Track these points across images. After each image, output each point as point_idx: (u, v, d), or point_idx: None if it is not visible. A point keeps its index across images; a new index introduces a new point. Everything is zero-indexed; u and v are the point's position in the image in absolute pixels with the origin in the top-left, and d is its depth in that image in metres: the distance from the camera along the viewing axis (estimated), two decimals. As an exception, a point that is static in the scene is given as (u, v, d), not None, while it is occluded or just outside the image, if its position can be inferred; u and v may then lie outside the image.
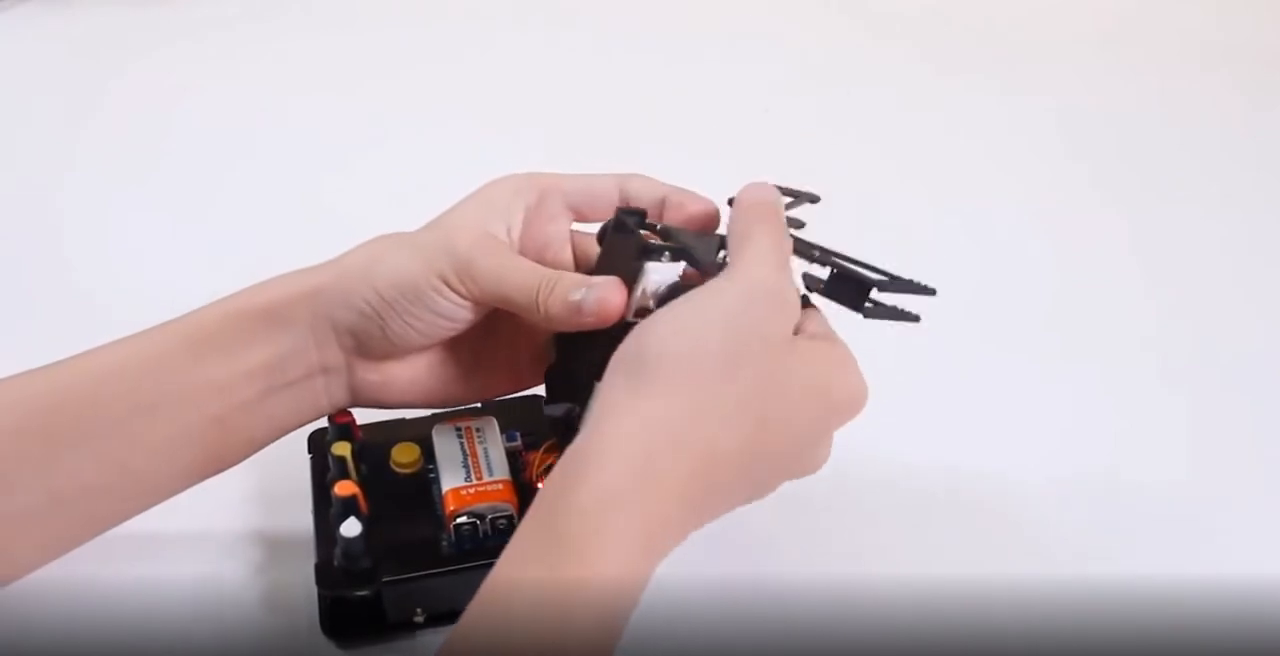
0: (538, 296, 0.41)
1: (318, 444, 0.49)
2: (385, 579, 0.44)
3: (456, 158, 0.80)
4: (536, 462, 0.47)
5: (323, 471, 0.48)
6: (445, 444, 0.48)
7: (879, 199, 0.76)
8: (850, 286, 0.41)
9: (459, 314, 0.43)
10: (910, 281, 0.41)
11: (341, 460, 0.47)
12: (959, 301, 0.72)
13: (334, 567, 0.44)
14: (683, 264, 0.43)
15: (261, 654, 0.46)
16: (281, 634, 0.46)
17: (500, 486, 0.45)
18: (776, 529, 0.52)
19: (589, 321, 0.41)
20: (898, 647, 0.47)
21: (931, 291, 0.41)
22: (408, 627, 0.45)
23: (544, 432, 0.48)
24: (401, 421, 0.50)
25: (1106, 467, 0.56)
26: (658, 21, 0.98)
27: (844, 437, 0.57)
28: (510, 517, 0.45)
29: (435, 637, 0.45)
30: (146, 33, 0.95)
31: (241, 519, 0.51)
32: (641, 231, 0.44)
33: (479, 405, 0.51)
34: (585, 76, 0.90)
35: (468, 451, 0.47)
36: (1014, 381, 0.62)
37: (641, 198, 0.45)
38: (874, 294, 0.42)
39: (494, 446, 0.47)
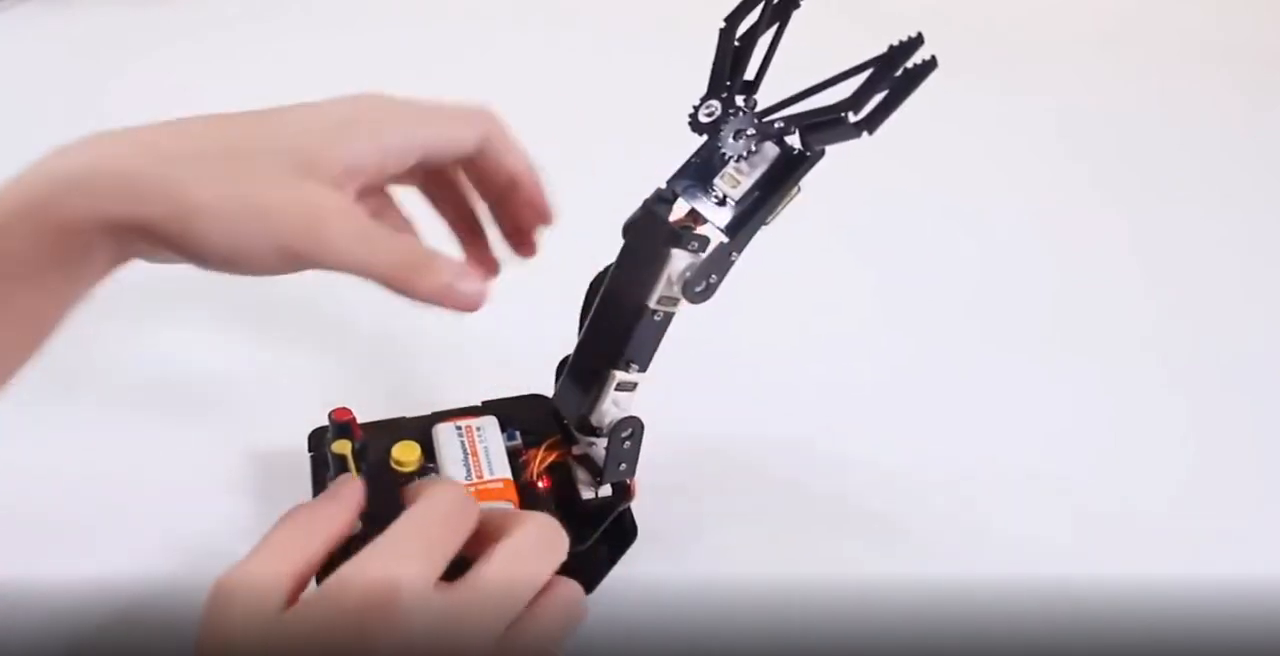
0: (408, 273, 0.37)
1: (317, 442, 0.49)
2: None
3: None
4: (537, 461, 0.47)
5: (322, 469, 0.48)
6: (446, 442, 0.47)
7: (879, 199, 0.76)
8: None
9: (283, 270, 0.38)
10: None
11: (341, 458, 0.46)
12: (959, 301, 0.72)
13: (333, 566, 0.44)
14: (707, 252, 0.42)
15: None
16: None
17: (501, 485, 0.45)
18: (774, 529, 0.52)
19: (453, 309, 0.38)
20: (896, 648, 0.47)
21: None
22: (408, 626, 0.45)
23: (544, 431, 0.48)
24: (402, 420, 0.50)
25: (1106, 467, 0.56)
26: (658, 21, 0.98)
27: (843, 437, 0.57)
28: (510, 516, 0.45)
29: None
30: (146, 33, 0.95)
31: (241, 517, 0.51)
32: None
33: (479, 405, 0.51)
34: (585, 76, 0.90)
35: (468, 450, 0.47)
36: (1013, 380, 0.62)
37: (494, 174, 0.43)
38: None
39: (494, 445, 0.47)
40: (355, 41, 0.96)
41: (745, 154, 0.39)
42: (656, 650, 0.46)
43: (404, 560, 0.33)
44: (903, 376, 0.62)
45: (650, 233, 0.41)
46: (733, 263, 0.41)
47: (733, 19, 0.39)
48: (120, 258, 0.38)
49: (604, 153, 0.78)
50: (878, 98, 0.36)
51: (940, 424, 0.58)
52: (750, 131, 0.39)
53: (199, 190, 0.36)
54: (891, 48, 0.36)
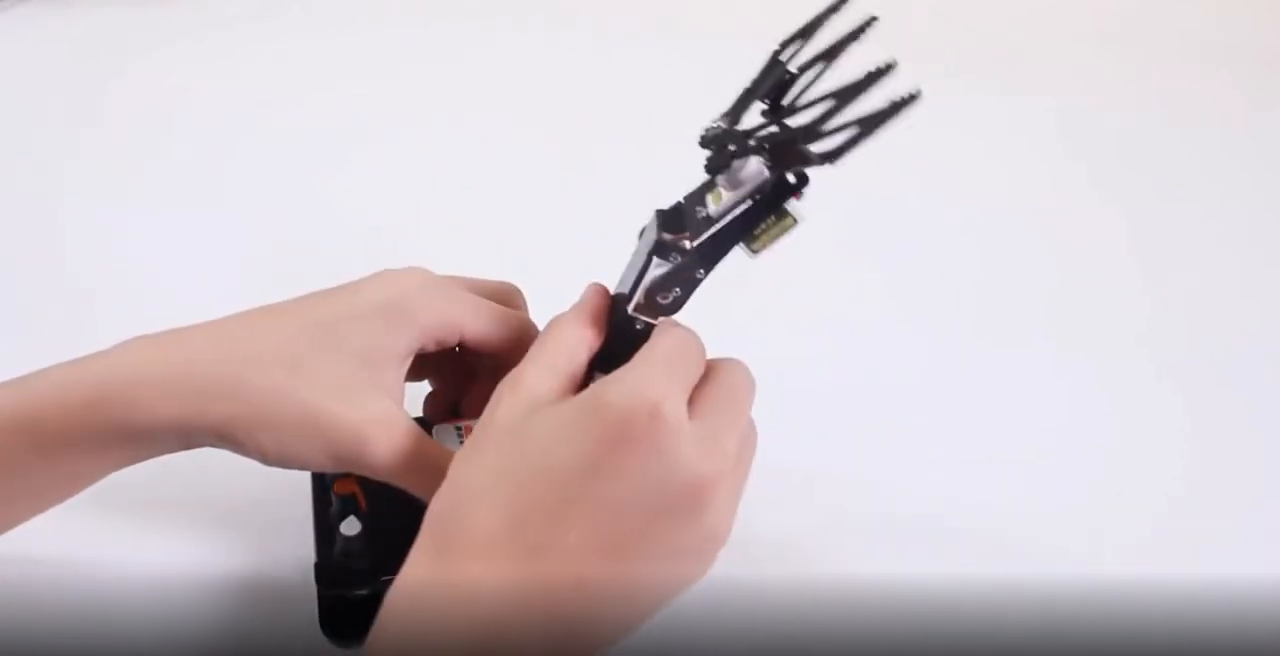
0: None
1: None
2: (385, 578, 0.43)
3: (457, 158, 0.80)
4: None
5: (325, 472, 0.48)
6: (446, 442, 0.47)
7: (879, 198, 0.76)
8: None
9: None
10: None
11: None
12: (958, 300, 0.72)
13: (334, 566, 0.44)
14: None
15: (261, 653, 0.46)
16: (281, 633, 0.46)
17: (500, 485, 0.45)
18: (773, 529, 0.52)
19: None
20: (895, 648, 0.47)
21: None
22: (407, 627, 0.45)
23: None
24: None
25: (1106, 466, 0.56)
26: (658, 21, 0.98)
27: (841, 435, 0.57)
28: (510, 517, 0.44)
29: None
30: (146, 33, 0.95)
31: (240, 518, 0.51)
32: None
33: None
34: (585, 76, 0.90)
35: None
36: (1013, 379, 0.62)
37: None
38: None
39: (494, 446, 0.47)
40: (355, 41, 0.96)
41: (732, 172, 0.38)
42: (655, 650, 0.46)
43: (662, 381, 0.36)
44: (901, 375, 0.62)
45: (646, 240, 0.41)
46: (699, 280, 0.40)
47: (785, 46, 0.39)
48: (186, 447, 0.41)
49: (604, 153, 0.78)
50: (848, 131, 0.36)
51: (939, 422, 0.58)
52: (730, 147, 0.38)
53: (262, 399, 0.39)
54: (869, 74, 0.36)
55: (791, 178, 0.38)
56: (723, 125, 0.38)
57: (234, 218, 0.73)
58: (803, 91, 0.39)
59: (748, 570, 0.49)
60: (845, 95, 0.36)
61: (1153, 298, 0.69)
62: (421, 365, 0.47)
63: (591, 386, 0.37)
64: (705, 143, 0.39)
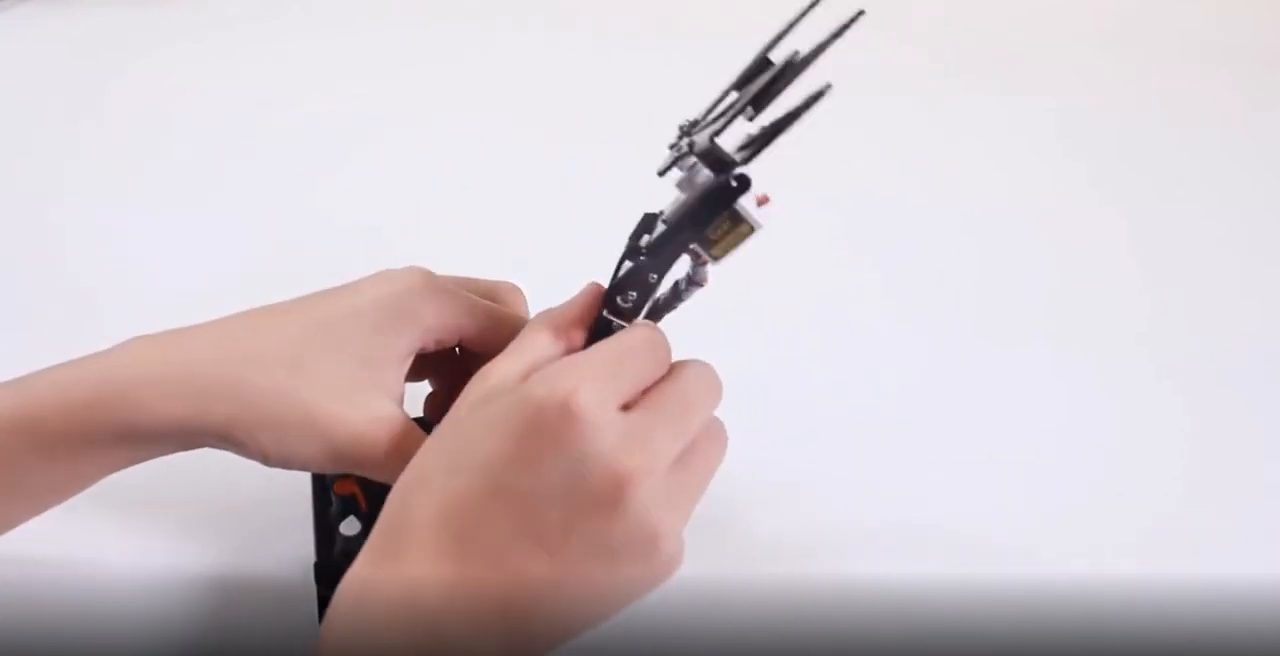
0: None
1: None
2: (385, 578, 0.43)
3: (457, 158, 0.80)
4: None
5: (326, 472, 0.48)
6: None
7: (879, 198, 0.76)
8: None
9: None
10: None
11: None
12: (958, 300, 0.72)
13: (333, 566, 0.44)
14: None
15: (261, 653, 0.46)
16: (281, 633, 0.46)
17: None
18: (772, 529, 0.52)
19: None
20: (895, 649, 0.47)
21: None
22: (407, 627, 0.45)
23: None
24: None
25: (1106, 466, 0.56)
26: (658, 21, 0.98)
27: (840, 435, 0.57)
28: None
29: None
30: (146, 33, 0.95)
31: (241, 518, 0.51)
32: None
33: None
34: (585, 76, 0.90)
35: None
36: (1013, 379, 0.62)
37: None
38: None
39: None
40: (355, 41, 0.96)
41: (660, 172, 0.38)
42: (654, 650, 0.46)
43: (588, 373, 0.35)
44: (901, 375, 0.62)
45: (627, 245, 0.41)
46: (653, 283, 0.40)
47: (770, 47, 0.39)
48: (186, 448, 0.42)
49: (604, 153, 0.78)
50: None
51: (939, 422, 0.58)
52: (677, 147, 0.38)
53: (263, 399, 0.39)
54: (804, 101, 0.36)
55: (733, 182, 0.38)
56: (680, 131, 0.39)
57: (234, 218, 0.73)
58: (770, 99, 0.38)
59: (745, 570, 0.49)
60: (758, 100, 0.36)
61: (1153, 298, 0.69)
62: (422, 365, 0.47)
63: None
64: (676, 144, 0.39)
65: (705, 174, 0.38)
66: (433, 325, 0.43)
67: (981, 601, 0.48)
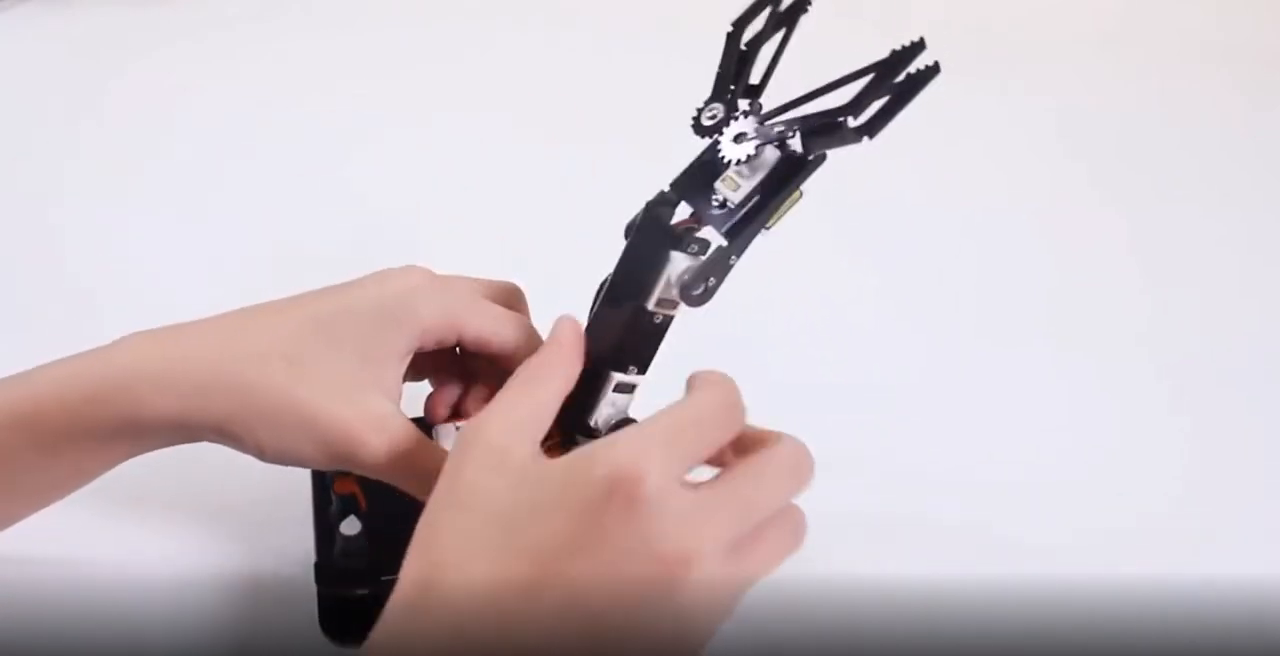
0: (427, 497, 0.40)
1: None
2: (385, 577, 0.44)
3: (457, 158, 0.80)
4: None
5: (322, 470, 0.48)
6: (445, 443, 0.47)
7: (879, 198, 0.76)
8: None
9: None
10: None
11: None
12: (959, 300, 0.72)
13: (334, 566, 0.44)
14: (706, 255, 0.42)
15: (261, 653, 0.46)
16: (280, 633, 0.46)
17: (500, 485, 0.45)
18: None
19: None
20: (895, 649, 0.47)
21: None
22: (407, 627, 0.45)
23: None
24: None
25: (1106, 465, 0.56)
26: (658, 21, 0.98)
27: (840, 436, 0.57)
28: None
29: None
30: (146, 33, 0.95)
31: (241, 518, 0.51)
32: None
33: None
34: (585, 77, 0.90)
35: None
36: (1013, 379, 0.62)
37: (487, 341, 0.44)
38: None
39: (494, 446, 0.47)
40: (355, 41, 0.95)
41: (746, 158, 0.39)
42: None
43: (655, 450, 0.33)
44: (902, 374, 0.62)
45: (651, 234, 0.41)
46: (731, 266, 0.40)
47: (740, 23, 0.39)
48: (185, 442, 0.42)
49: (604, 153, 0.78)
50: (878, 103, 0.36)
51: (939, 422, 0.58)
52: (752, 135, 0.39)
53: (261, 395, 0.39)
54: (893, 52, 0.36)
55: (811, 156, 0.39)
56: (721, 112, 0.39)
57: (234, 218, 0.73)
58: (770, 68, 0.39)
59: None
60: (884, 69, 0.36)
61: (1153, 298, 0.69)
62: (422, 365, 0.47)
63: (578, 451, 0.34)
64: (706, 131, 0.39)
65: (770, 152, 0.39)
66: (431, 324, 0.43)
67: (980, 600, 0.48)
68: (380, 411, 0.41)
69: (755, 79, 0.40)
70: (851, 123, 0.36)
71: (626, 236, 0.43)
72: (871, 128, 0.36)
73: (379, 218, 0.72)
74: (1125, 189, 0.80)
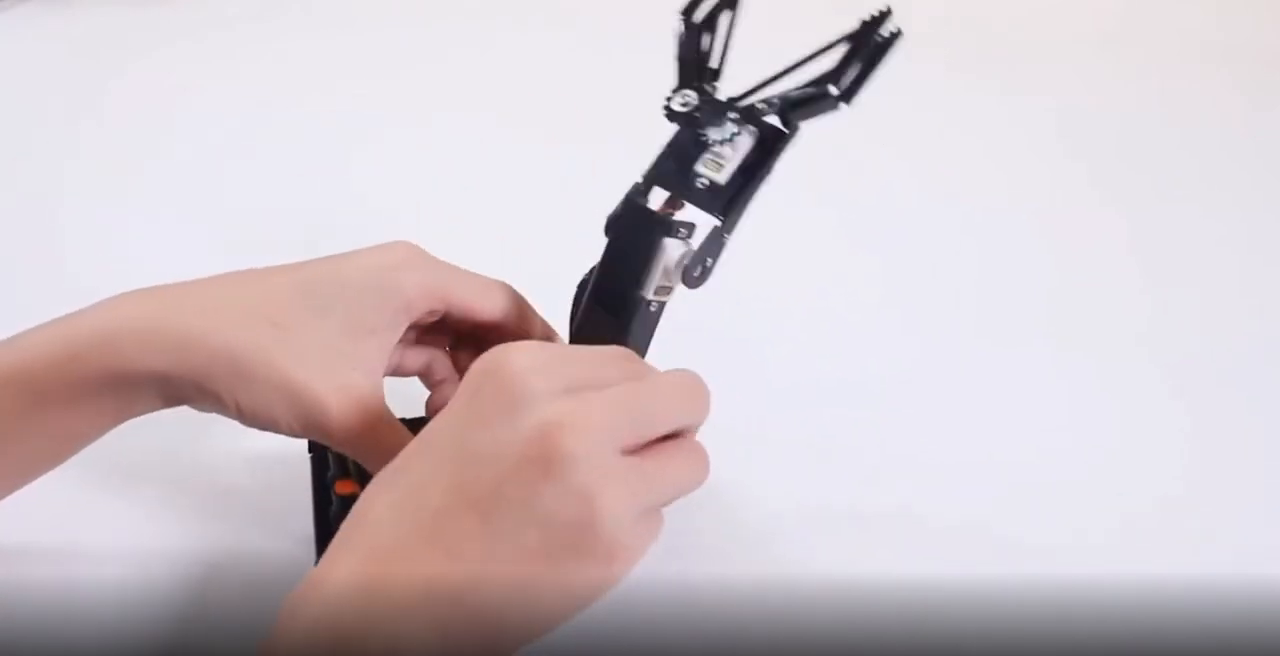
0: None
1: (318, 442, 0.49)
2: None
3: (457, 157, 0.80)
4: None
5: (323, 470, 0.48)
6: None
7: (879, 198, 0.76)
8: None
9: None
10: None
11: (342, 459, 0.47)
12: (959, 300, 0.72)
13: None
14: (703, 237, 0.42)
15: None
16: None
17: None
18: (770, 526, 0.52)
19: None
20: (893, 649, 0.47)
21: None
22: (408, 627, 0.45)
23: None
24: (402, 421, 0.50)
25: (1106, 465, 0.56)
26: (658, 21, 0.98)
27: (840, 435, 0.57)
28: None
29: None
30: (146, 33, 0.95)
31: (241, 517, 0.51)
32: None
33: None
34: (585, 76, 0.90)
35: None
36: (1013, 379, 0.62)
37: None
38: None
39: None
40: (355, 41, 0.96)
41: (729, 137, 0.40)
42: (652, 650, 0.46)
43: (536, 355, 0.35)
44: (902, 374, 0.62)
45: (637, 225, 0.42)
46: (725, 244, 0.41)
47: (689, 9, 0.41)
48: (170, 402, 0.42)
49: (604, 153, 0.78)
50: (853, 71, 0.38)
51: (939, 421, 0.58)
52: (733, 115, 0.40)
53: (242, 353, 0.39)
54: (864, 22, 0.38)
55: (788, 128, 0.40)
56: (694, 98, 0.40)
57: (234, 218, 0.73)
58: (724, 50, 0.41)
59: (740, 569, 0.49)
60: (858, 38, 0.38)
61: (1153, 297, 0.69)
62: (421, 364, 0.47)
63: None
64: (680, 118, 0.40)
65: (749, 130, 0.40)
66: (417, 296, 0.43)
67: (980, 600, 0.48)
68: (355, 384, 0.41)
69: (715, 63, 0.41)
70: (833, 91, 0.37)
71: (608, 232, 0.43)
72: (849, 94, 0.38)
73: (379, 217, 0.72)
74: (1125, 189, 0.80)
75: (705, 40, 0.41)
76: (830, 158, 0.79)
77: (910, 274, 0.71)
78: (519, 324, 0.46)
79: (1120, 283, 0.70)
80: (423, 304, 0.43)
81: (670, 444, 0.35)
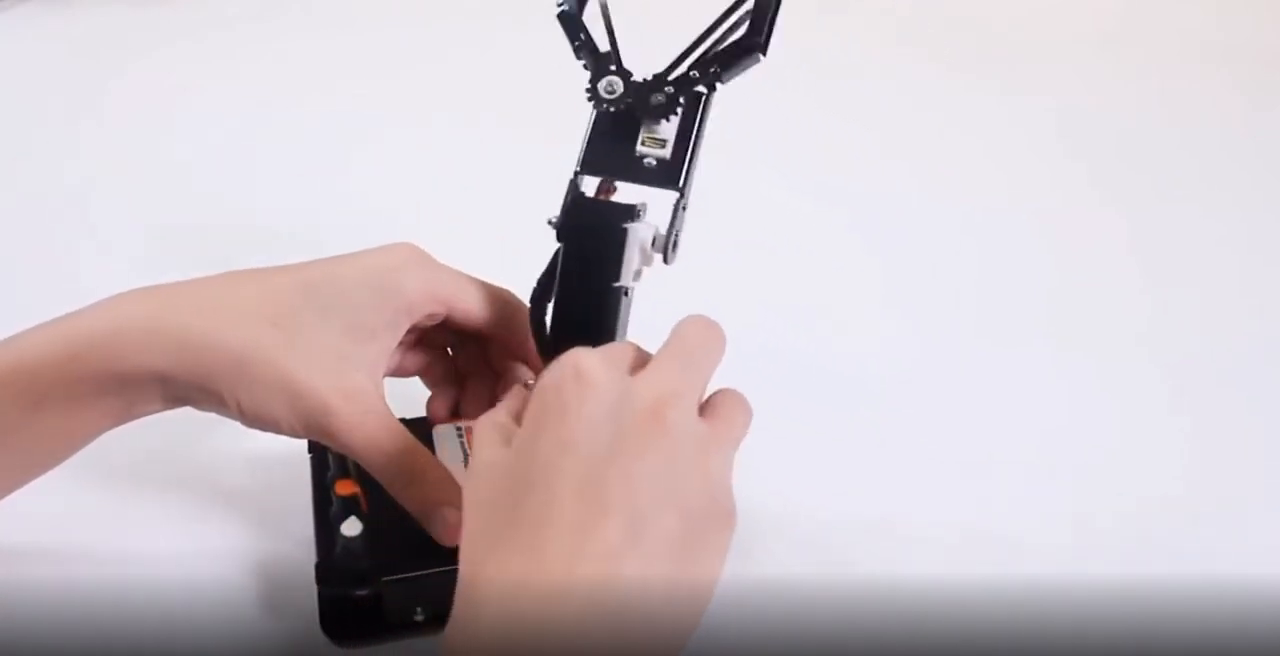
0: (398, 482, 0.42)
1: (318, 443, 0.49)
2: (385, 578, 0.44)
3: (457, 158, 0.80)
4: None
5: (323, 470, 0.48)
6: (446, 443, 0.47)
7: (879, 197, 0.76)
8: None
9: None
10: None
11: (342, 459, 0.46)
12: (958, 300, 0.72)
13: (334, 567, 0.44)
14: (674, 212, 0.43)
15: (261, 653, 0.46)
16: (281, 633, 0.46)
17: (500, 485, 0.45)
18: (768, 526, 0.52)
19: (430, 532, 0.42)
20: (892, 648, 0.47)
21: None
22: (408, 627, 0.45)
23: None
24: (402, 421, 0.50)
25: (1106, 465, 0.56)
26: (659, 21, 0.98)
27: (841, 434, 0.57)
28: (510, 517, 0.45)
29: (435, 637, 0.45)
30: (146, 33, 0.95)
31: (241, 518, 0.51)
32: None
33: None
34: (585, 76, 0.90)
35: (469, 451, 0.47)
36: (1013, 378, 0.62)
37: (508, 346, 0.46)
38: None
39: (494, 446, 0.47)
40: (355, 41, 0.96)
41: (673, 113, 0.42)
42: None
43: (677, 382, 0.35)
44: (902, 374, 0.62)
45: (595, 221, 0.42)
46: (685, 209, 0.43)
47: (561, 3, 0.43)
48: (171, 403, 0.42)
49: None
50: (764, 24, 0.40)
51: (939, 422, 0.58)
52: (667, 90, 0.42)
53: (243, 353, 0.39)
54: None
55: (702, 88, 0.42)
56: (619, 83, 0.44)
57: (233, 218, 0.73)
58: (610, 33, 0.44)
59: (741, 569, 0.49)
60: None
61: (1153, 297, 0.69)
62: (420, 366, 0.47)
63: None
64: (610, 103, 0.43)
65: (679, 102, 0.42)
66: (417, 298, 0.43)
67: (980, 600, 0.48)
68: (355, 385, 0.41)
69: (605, 46, 0.44)
70: (758, 43, 0.40)
71: (561, 235, 0.43)
72: (765, 45, 0.40)
73: (379, 217, 0.72)
74: (1125, 189, 0.80)
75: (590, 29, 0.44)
76: (831, 158, 0.79)
77: (910, 274, 0.71)
78: (518, 330, 0.46)
79: (1120, 282, 0.70)
80: (423, 306, 0.43)
81: (715, 397, 0.37)
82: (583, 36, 0.43)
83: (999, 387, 0.61)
